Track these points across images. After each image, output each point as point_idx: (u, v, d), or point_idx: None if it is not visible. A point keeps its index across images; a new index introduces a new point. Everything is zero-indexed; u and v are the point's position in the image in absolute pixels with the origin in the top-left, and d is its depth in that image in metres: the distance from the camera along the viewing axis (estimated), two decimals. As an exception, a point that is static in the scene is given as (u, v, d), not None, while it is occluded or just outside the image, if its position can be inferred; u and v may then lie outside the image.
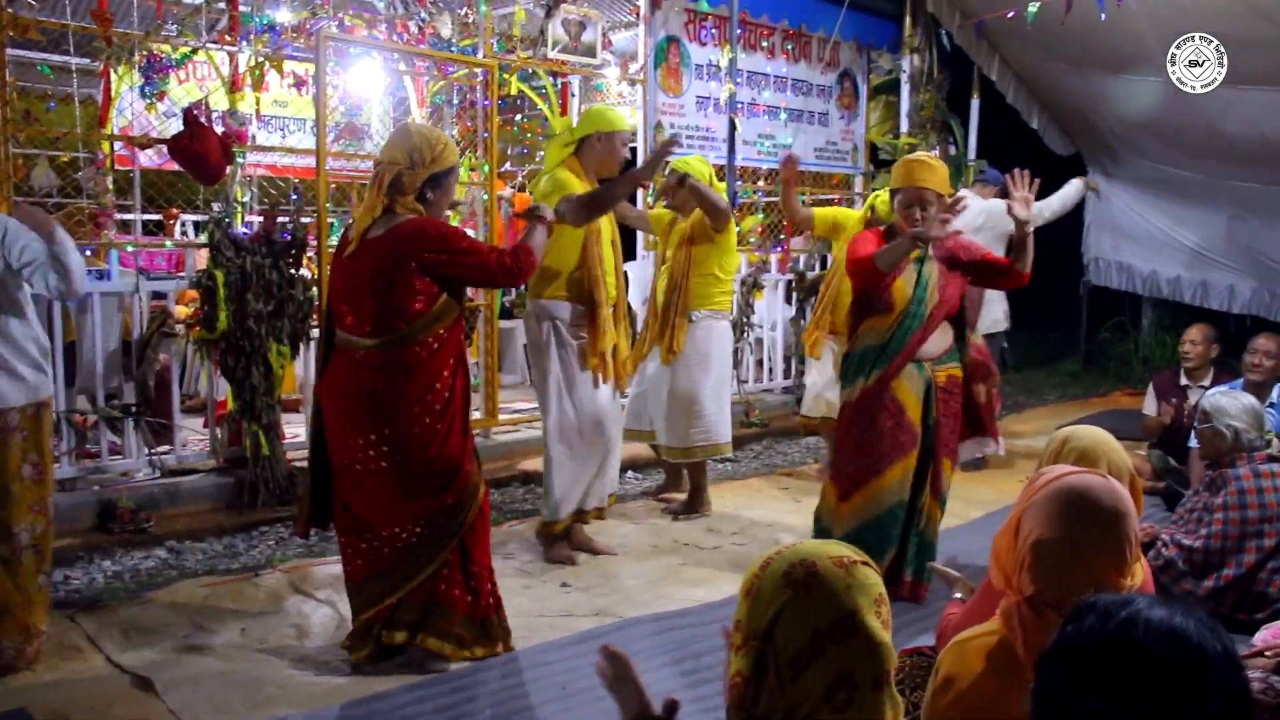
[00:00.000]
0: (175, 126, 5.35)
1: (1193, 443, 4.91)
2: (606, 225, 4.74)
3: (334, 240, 7.43)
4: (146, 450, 5.30)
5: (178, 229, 8.04)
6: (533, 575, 4.60)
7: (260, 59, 5.57)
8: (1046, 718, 1.37)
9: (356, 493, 3.57)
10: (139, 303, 5.30)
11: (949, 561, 4.20)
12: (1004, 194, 5.39)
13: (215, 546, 4.97)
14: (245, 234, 5.38)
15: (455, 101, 8.46)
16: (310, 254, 5.63)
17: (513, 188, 8.67)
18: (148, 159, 7.70)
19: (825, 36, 8.50)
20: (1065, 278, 11.39)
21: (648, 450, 5.89)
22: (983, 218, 6.46)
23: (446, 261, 3.47)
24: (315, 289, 5.52)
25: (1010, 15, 7.09)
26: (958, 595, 2.95)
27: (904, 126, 8.96)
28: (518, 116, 9.03)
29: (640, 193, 7.09)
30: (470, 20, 7.12)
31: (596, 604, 4.30)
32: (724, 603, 4.11)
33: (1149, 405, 6.24)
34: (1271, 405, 5.08)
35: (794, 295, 8.06)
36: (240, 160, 5.53)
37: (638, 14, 7.39)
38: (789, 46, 8.33)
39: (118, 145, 7.37)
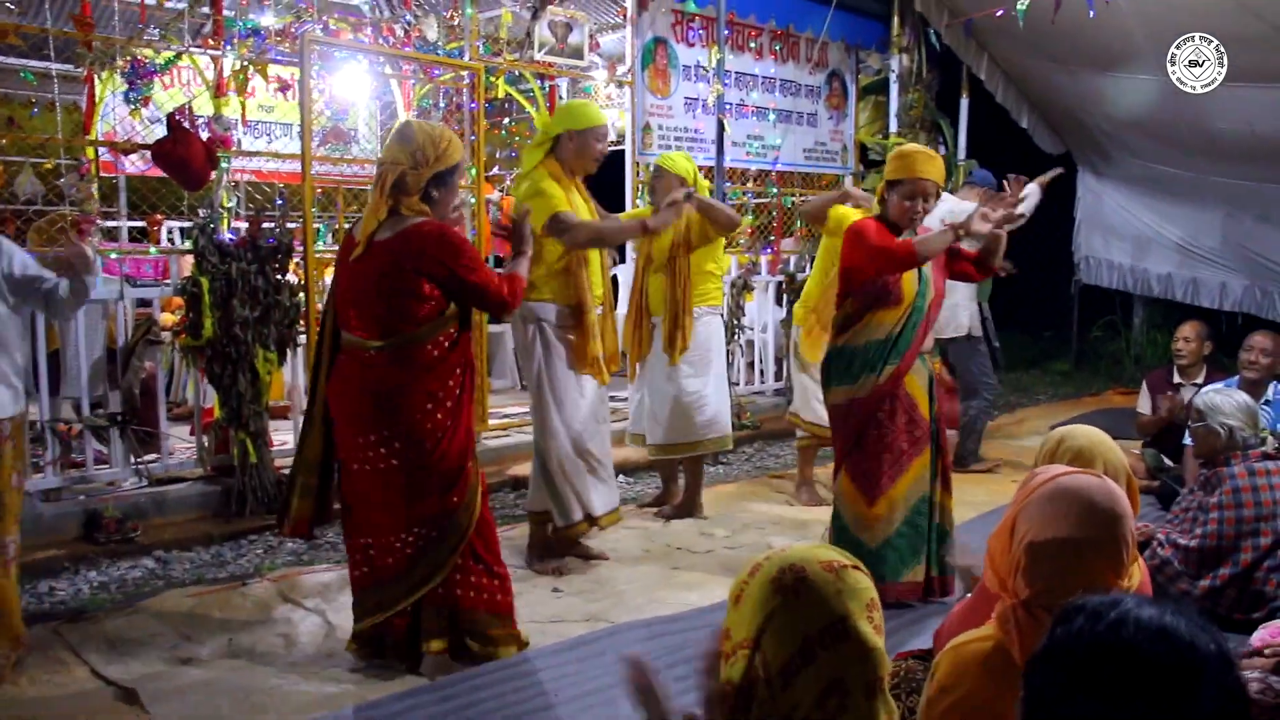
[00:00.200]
0: (160, 132, 5.31)
1: (1187, 441, 4.89)
2: None
3: (320, 245, 7.42)
4: (132, 459, 5.25)
5: (164, 235, 7.99)
6: (523, 580, 4.55)
7: (244, 63, 5.52)
8: (1037, 722, 1.34)
9: (361, 496, 3.55)
10: (123, 310, 5.25)
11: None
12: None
13: (203, 556, 4.92)
14: (231, 240, 5.34)
15: (442, 105, 8.42)
16: (297, 259, 5.58)
17: (501, 191, 8.64)
18: (133, 165, 7.65)
19: (813, 36, 8.49)
20: (1056, 277, 11.42)
21: (639, 454, 5.84)
22: (950, 216, 6.41)
23: (448, 277, 3.41)
24: (302, 295, 5.47)
25: (999, 13, 7.07)
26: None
27: (893, 126, 8.95)
28: (505, 120, 9.00)
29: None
30: (456, 23, 7.08)
31: (588, 609, 4.26)
32: (717, 607, 4.06)
33: (1143, 403, 6.22)
34: (1267, 403, 5.06)
35: (784, 297, 8.03)
36: (225, 165, 5.49)
37: (625, 15, 7.36)
38: (777, 47, 8.31)
39: (103, 152, 7.32)
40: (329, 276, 7.08)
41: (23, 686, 3.51)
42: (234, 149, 5.79)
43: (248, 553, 4.99)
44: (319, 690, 3.51)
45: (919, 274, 4.14)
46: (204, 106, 5.62)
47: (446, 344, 3.48)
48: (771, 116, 8.27)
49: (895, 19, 8.77)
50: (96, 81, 6.87)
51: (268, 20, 6.07)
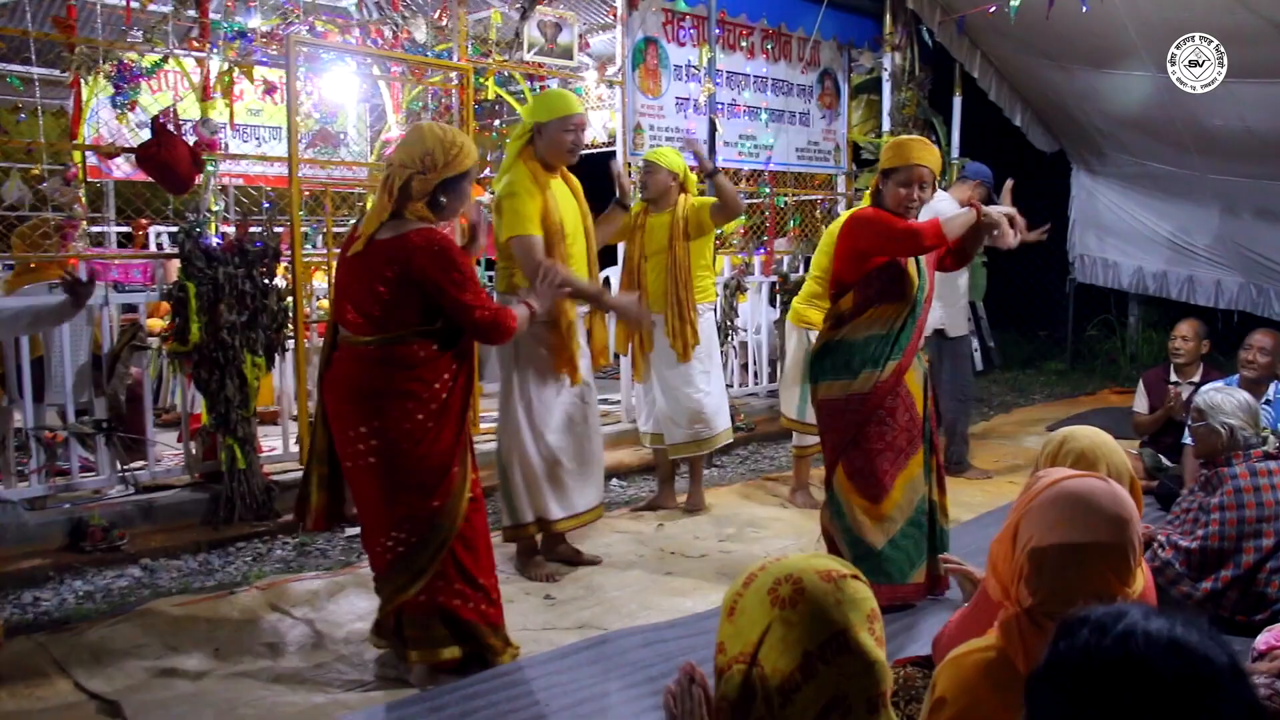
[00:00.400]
0: (147, 136, 5.24)
1: (1187, 440, 4.83)
2: (574, 225, 4.58)
3: (308, 248, 7.33)
4: (119, 466, 5.18)
5: (152, 240, 7.92)
6: (514, 588, 4.48)
7: (230, 65, 5.46)
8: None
9: (355, 492, 3.53)
10: (108, 315, 5.19)
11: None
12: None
13: (190, 564, 4.85)
14: (217, 244, 5.26)
15: (431, 107, 8.35)
16: (284, 263, 5.52)
17: (491, 193, 8.55)
18: (120, 170, 7.58)
19: (805, 35, 8.43)
20: (1051, 276, 11.38)
21: (633, 457, 5.78)
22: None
23: (437, 293, 3.35)
24: (290, 299, 5.40)
25: (991, 10, 7.03)
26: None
27: (886, 125, 8.91)
28: (496, 122, 8.93)
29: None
30: (445, 24, 7.01)
31: (580, 617, 4.19)
32: (712, 613, 3.99)
33: (1139, 402, 6.16)
34: (1267, 402, 5.01)
35: (778, 298, 7.97)
36: (212, 169, 5.42)
37: (614, 15, 7.30)
38: (768, 46, 8.26)
39: (90, 156, 7.24)
40: (317, 280, 7.02)
41: (2, 700, 3.44)
42: (221, 152, 5.71)
43: (236, 560, 4.91)
44: (307, 701, 3.44)
45: (918, 268, 4.09)
46: (191, 110, 5.55)
47: (436, 345, 3.42)
48: (763, 116, 8.21)
49: (887, 17, 8.73)
50: (83, 86, 6.81)
51: (254, 22, 6.00)
